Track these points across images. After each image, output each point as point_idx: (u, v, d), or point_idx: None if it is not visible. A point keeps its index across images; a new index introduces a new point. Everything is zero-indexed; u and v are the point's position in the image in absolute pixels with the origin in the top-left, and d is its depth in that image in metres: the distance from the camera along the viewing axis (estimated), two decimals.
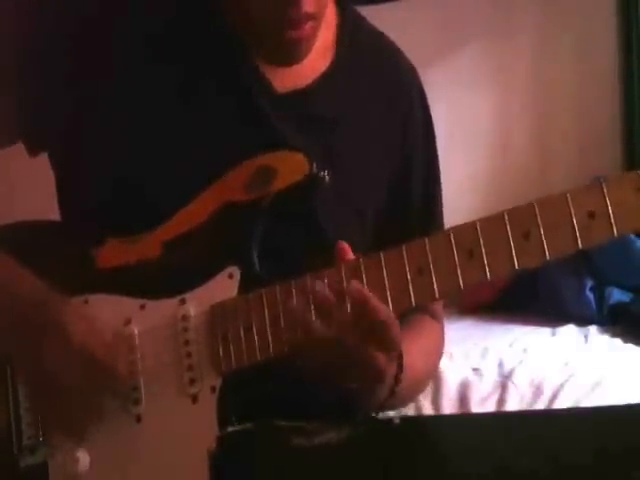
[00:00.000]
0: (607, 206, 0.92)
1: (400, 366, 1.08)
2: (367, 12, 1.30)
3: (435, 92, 1.32)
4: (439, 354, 1.33)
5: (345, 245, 1.02)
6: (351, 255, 1.01)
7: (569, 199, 0.93)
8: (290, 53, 1.12)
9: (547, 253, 0.93)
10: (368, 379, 1.02)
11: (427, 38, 2.95)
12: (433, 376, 1.36)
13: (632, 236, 2.64)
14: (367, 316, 0.97)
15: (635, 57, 3.30)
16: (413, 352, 1.13)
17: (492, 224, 0.95)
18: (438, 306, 1.33)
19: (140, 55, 1.15)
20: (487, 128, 3.34)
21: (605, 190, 0.92)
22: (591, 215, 0.92)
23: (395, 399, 1.11)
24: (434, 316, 1.31)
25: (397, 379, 1.08)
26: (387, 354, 0.99)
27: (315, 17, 1.08)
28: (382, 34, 1.31)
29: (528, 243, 0.94)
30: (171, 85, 1.15)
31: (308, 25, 1.08)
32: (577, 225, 0.92)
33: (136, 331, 1.08)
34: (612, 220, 0.91)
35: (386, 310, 0.97)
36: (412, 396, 1.25)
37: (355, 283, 0.97)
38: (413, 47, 1.32)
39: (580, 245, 0.92)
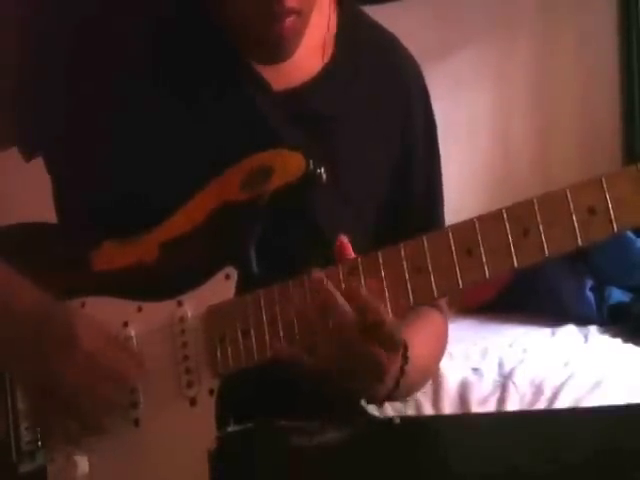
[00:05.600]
0: (607, 201, 0.90)
1: (405, 357, 1.08)
2: (367, 12, 1.29)
3: (435, 91, 1.32)
4: (444, 345, 1.33)
5: (345, 240, 1.01)
6: (350, 251, 1.01)
7: (569, 195, 0.92)
8: (275, 49, 1.12)
9: (546, 250, 0.92)
10: (369, 377, 1.01)
11: (427, 37, 2.94)
12: (438, 366, 1.35)
13: (632, 236, 2.64)
14: (369, 316, 0.96)
15: (635, 56, 3.29)
16: (419, 342, 1.13)
17: (491, 222, 0.95)
18: (442, 300, 1.32)
19: (138, 57, 1.14)
20: (487, 127, 3.34)
21: (605, 185, 0.90)
22: (591, 211, 0.91)
23: (400, 390, 1.11)
24: (439, 309, 1.31)
25: (402, 370, 1.08)
26: (388, 352, 0.99)
27: (299, 12, 1.08)
28: (383, 29, 1.30)
29: (527, 240, 0.93)
30: (168, 85, 1.14)
31: (291, 20, 1.07)
32: (577, 221, 0.91)
33: (133, 334, 1.07)
34: (612, 216, 0.90)
35: (386, 311, 0.97)
36: (418, 387, 1.25)
37: (354, 285, 0.97)
38: (413, 46, 1.32)
39: (580, 242, 0.91)
